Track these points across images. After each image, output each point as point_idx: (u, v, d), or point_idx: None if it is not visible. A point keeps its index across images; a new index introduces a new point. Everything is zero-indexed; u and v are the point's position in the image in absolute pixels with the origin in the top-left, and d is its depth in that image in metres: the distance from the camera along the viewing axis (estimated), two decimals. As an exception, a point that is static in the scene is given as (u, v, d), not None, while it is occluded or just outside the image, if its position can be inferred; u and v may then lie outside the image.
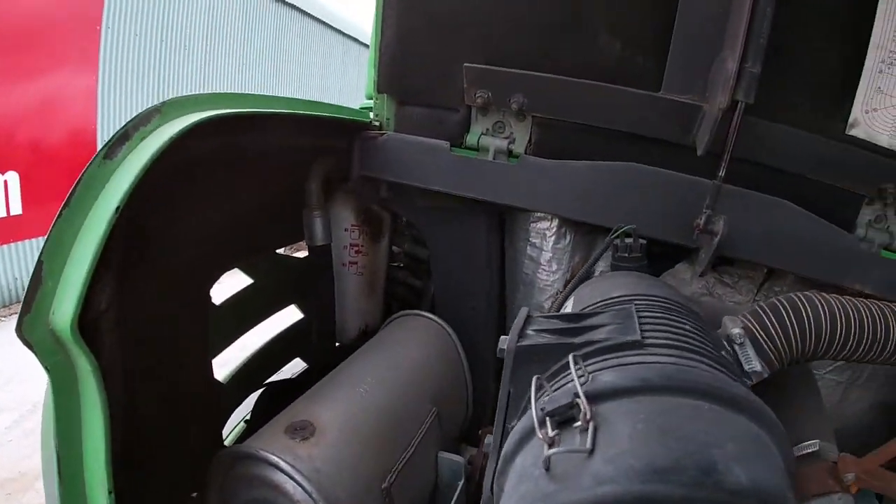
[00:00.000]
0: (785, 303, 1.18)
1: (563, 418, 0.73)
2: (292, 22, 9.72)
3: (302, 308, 1.85)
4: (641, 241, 1.37)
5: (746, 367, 1.15)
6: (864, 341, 1.17)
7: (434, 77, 1.52)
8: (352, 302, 1.77)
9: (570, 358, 0.81)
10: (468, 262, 1.70)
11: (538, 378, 0.82)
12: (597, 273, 1.59)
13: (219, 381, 1.75)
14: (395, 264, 1.91)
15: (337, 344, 1.85)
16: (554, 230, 1.64)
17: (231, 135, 1.35)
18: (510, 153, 1.52)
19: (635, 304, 1.04)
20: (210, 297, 1.63)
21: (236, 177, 1.48)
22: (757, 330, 1.16)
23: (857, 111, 1.49)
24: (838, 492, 1.06)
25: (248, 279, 1.83)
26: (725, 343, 1.17)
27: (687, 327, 1.00)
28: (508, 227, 1.73)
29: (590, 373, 0.80)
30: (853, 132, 1.50)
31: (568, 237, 1.66)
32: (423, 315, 1.66)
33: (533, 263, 1.70)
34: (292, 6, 9.51)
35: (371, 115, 1.67)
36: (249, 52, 8.50)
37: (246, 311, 1.80)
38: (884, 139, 1.52)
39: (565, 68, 1.46)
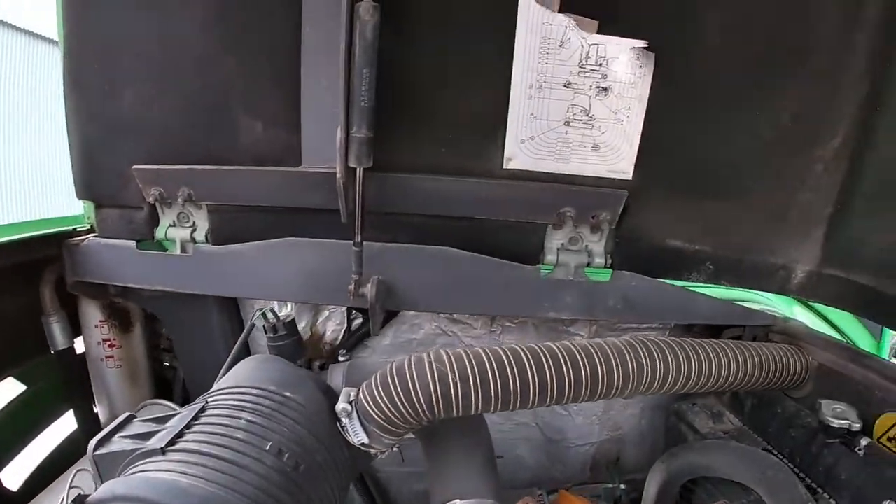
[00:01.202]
0: (394, 370, 1.20)
1: None
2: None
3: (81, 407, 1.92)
4: (286, 318, 1.40)
5: (355, 440, 1.18)
6: (496, 396, 1.18)
7: (115, 180, 1.57)
8: (116, 394, 1.83)
9: (73, 472, 0.91)
10: (206, 342, 1.75)
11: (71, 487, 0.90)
12: None
13: (9, 490, 1.85)
14: (162, 348, 1.97)
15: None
16: (275, 303, 1.69)
17: None
18: (195, 241, 1.57)
19: (209, 401, 1.09)
20: None
21: None
22: (367, 400, 1.19)
23: (511, 144, 1.51)
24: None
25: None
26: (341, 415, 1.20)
27: (242, 423, 1.03)
28: (239, 303, 1.79)
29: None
30: (511, 166, 1.52)
31: (289, 307, 1.70)
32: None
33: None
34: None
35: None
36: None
37: (25, 418, 1.88)
38: (549, 165, 1.54)
39: (223, 155, 1.51)
